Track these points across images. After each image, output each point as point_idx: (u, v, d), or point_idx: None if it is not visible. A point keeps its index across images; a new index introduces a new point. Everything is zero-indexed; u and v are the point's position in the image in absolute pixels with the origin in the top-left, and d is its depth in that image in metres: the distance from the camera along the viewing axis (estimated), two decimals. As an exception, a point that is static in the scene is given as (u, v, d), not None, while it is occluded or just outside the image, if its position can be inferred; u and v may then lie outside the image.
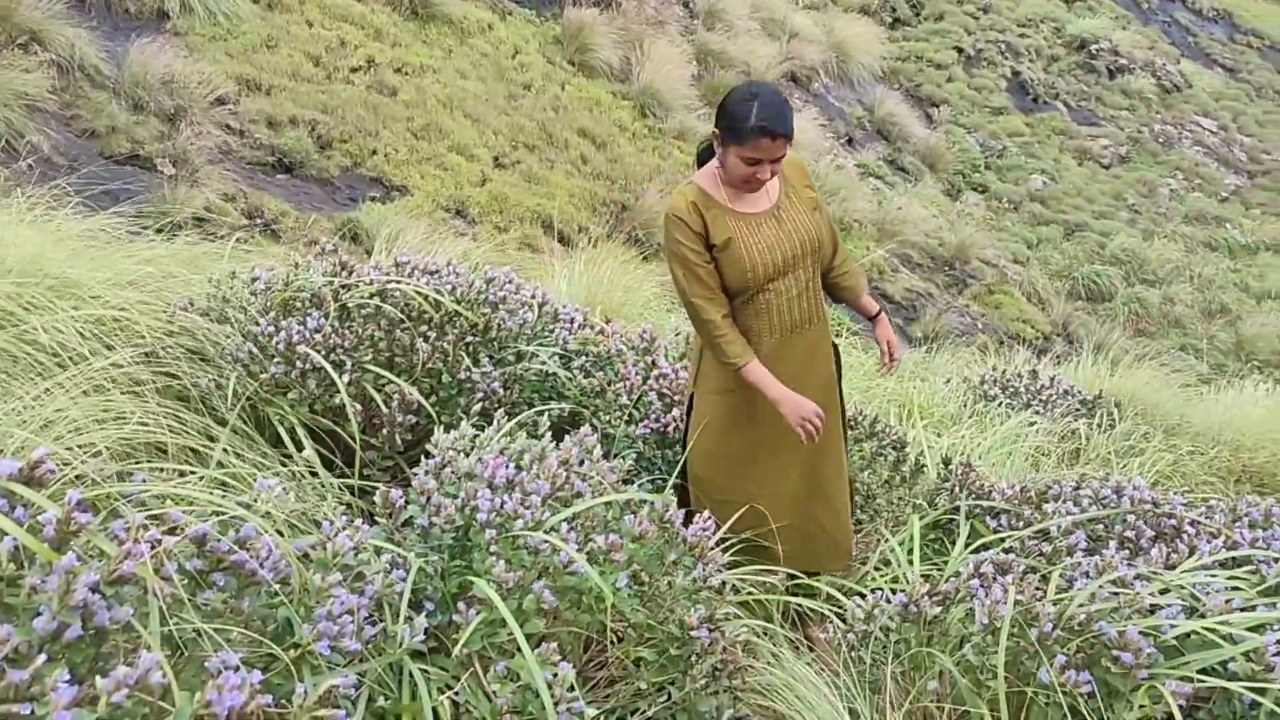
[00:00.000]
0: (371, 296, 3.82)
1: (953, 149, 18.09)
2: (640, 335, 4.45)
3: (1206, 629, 2.42)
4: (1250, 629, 2.49)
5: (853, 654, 2.60)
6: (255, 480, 2.37)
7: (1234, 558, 2.77)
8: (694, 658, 2.48)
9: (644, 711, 2.46)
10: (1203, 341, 14.51)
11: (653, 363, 4.25)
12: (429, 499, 2.45)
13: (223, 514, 1.99)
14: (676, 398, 4.12)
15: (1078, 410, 5.77)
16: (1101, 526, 3.17)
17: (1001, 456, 4.86)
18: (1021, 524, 3.26)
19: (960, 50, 20.89)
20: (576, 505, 2.54)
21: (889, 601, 2.62)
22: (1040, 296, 14.27)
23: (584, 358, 4.10)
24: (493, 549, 2.37)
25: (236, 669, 1.65)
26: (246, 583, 1.83)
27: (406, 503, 2.51)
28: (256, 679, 1.60)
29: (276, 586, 1.92)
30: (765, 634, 2.78)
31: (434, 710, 2.18)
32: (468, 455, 2.84)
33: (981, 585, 2.60)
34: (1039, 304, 14.02)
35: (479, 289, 4.04)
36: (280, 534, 2.31)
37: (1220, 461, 5.43)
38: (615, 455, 3.81)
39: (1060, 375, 6.24)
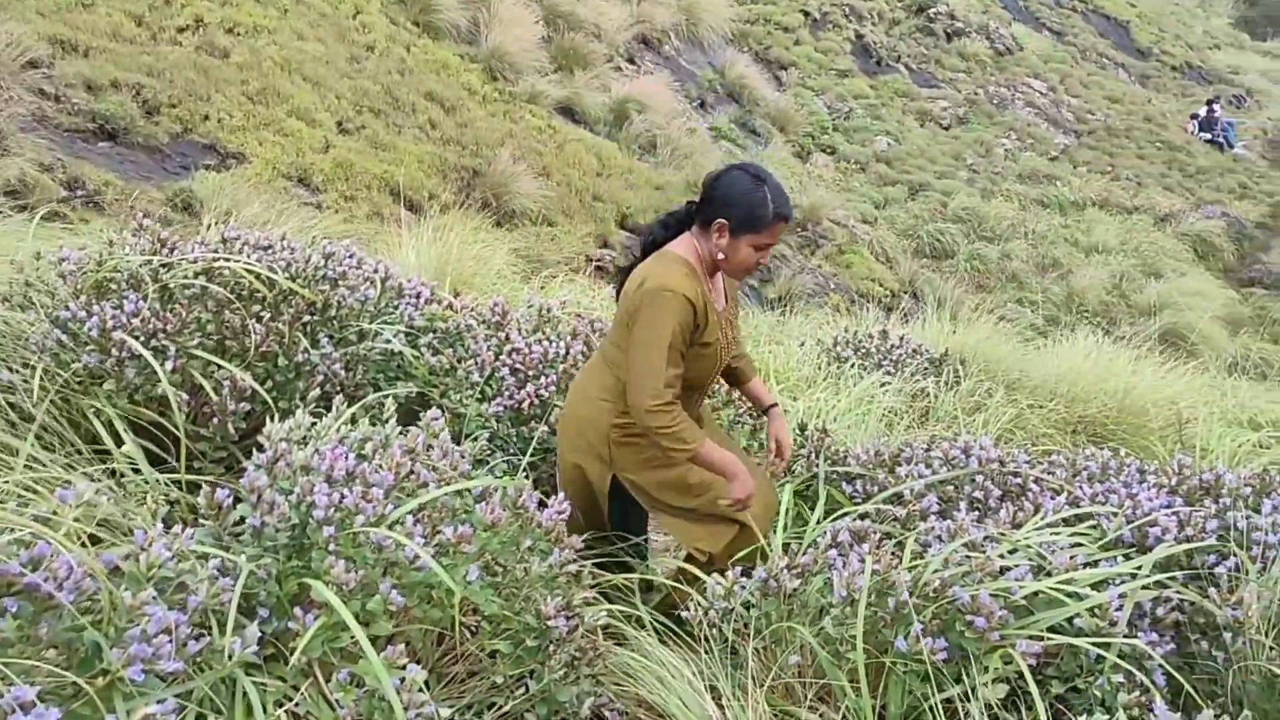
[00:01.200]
0: (196, 276, 3.56)
1: (801, 111, 18.37)
2: (491, 309, 4.30)
3: (1053, 588, 2.47)
4: (1094, 585, 2.56)
5: (714, 631, 2.56)
6: (66, 485, 2.15)
7: (1076, 515, 2.84)
8: (551, 647, 2.39)
9: (501, 707, 2.36)
10: (1038, 295, 15.20)
11: (506, 337, 4.12)
12: (259, 497, 2.28)
13: (15, 529, 1.78)
14: (530, 373, 4.00)
15: (926, 369, 5.91)
16: (952, 487, 3.22)
17: (857, 418, 4.93)
18: (877, 488, 3.28)
19: (806, 14, 21.18)
20: (422, 496, 2.40)
21: (749, 576, 2.58)
22: (888, 255, 14.66)
23: (432, 334, 3.93)
24: (332, 548, 2.22)
25: (32, 705, 1.47)
26: (43, 607, 1.64)
27: (236, 501, 2.33)
28: (54, 717, 1.43)
29: (82, 607, 1.73)
30: (630, 618, 2.72)
31: (272, 725, 2.03)
32: (304, 446, 2.66)
33: (839, 555, 2.59)
34: (887, 263, 14.40)
35: (316, 265, 3.82)
36: (89, 544, 2.10)
37: (1057, 414, 5.66)
38: (467, 436, 3.68)
39: (908, 334, 6.38)
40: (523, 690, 2.38)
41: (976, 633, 2.31)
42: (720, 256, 2.97)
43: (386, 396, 3.19)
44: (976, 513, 3.08)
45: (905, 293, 13.62)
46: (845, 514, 3.02)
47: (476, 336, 4.03)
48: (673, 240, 3.04)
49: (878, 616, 2.40)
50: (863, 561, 2.49)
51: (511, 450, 3.81)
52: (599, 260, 10.91)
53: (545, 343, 4.13)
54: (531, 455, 3.90)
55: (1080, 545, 2.75)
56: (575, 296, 6.21)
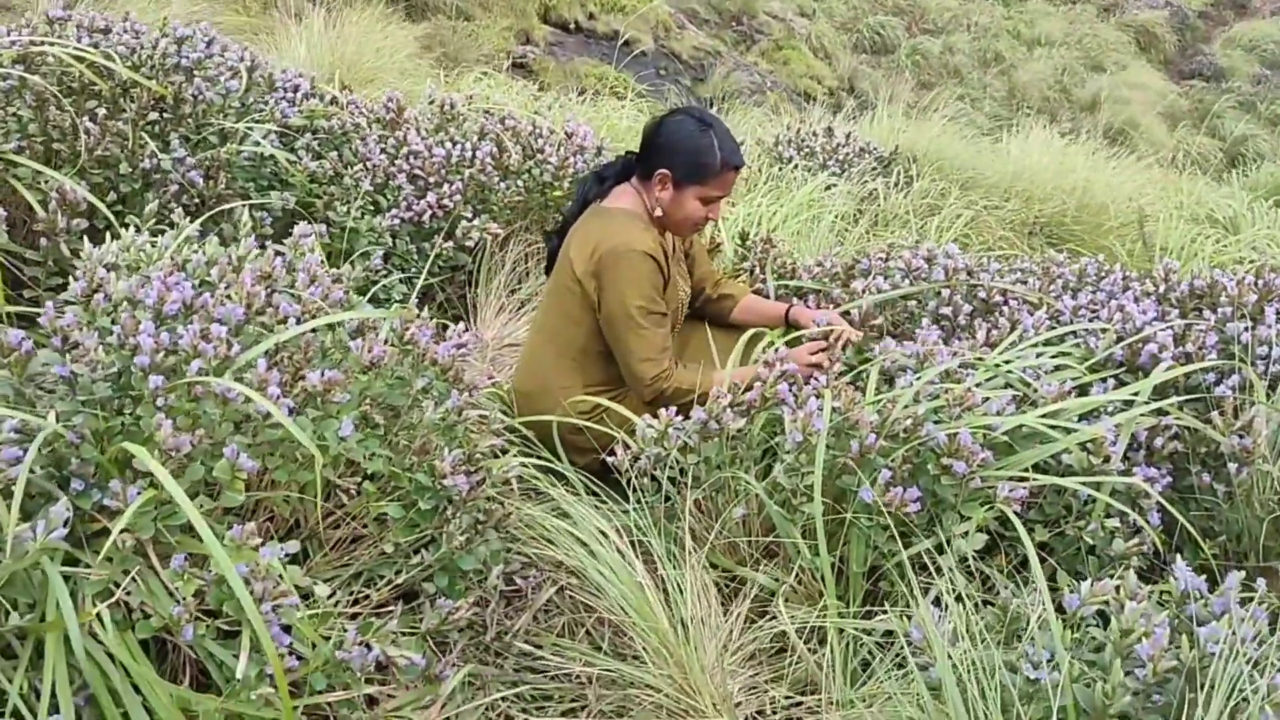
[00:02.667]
0: (14, 64, 2.92)
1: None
2: (385, 105, 3.70)
3: (1039, 421, 2.11)
4: (1083, 415, 2.21)
5: (645, 482, 2.17)
6: None
7: (1058, 334, 2.47)
8: (450, 509, 1.98)
9: (393, 580, 1.98)
10: (980, 91, 14.65)
11: (402, 138, 3.54)
12: (64, 339, 1.79)
13: None
14: (432, 179, 3.46)
15: (875, 169, 5.45)
16: (915, 302, 2.83)
17: (803, 225, 4.49)
18: (831, 305, 2.87)
19: None
20: (280, 334, 1.93)
21: (687, 417, 2.18)
22: (827, 51, 13.91)
23: (312, 135, 3.35)
24: (160, 403, 1.76)
25: None
26: None
27: (39, 344, 1.84)
28: None
29: None
30: (550, 471, 2.32)
31: (95, 622, 1.62)
32: (134, 271, 2.15)
33: (791, 390, 2.20)
34: (826, 59, 13.67)
35: (166, 52, 3.17)
36: None
37: (1015, 215, 5.27)
38: (359, 254, 3.17)
39: (855, 132, 5.88)
40: (419, 560, 1.99)
41: (955, 478, 1.95)
42: (658, 213, 2.55)
43: (248, 207, 2.65)
44: (941, 330, 2.69)
45: (845, 90, 12.99)
46: (797, 336, 2.61)
47: (367, 138, 3.45)
48: (610, 195, 2.64)
49: (837, 462, 2.02)
50: (819, 397, 2.10)
51: (412, 270, 3.32)
52: (520, 57, 10.10)
53: (449, 145, 3.56)
54: (434, 275, 3.42)
55: (1066, 367, 2.39)
56: (489, 93, 5.55)
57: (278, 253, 2.21)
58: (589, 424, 2.51)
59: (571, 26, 10.93)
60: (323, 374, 1.86)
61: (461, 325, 2.32)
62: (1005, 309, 2.68)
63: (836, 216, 4.57)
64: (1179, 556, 2.24)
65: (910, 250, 3.08)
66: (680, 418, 2.21)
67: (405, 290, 3.33)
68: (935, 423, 2.08)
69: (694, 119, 2.50)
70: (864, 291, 2.85)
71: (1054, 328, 2.64)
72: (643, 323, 2.42)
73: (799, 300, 2.96)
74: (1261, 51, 18.67)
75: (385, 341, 2.09)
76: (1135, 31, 18.39)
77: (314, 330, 2.03)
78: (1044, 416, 2.12)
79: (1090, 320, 2.70)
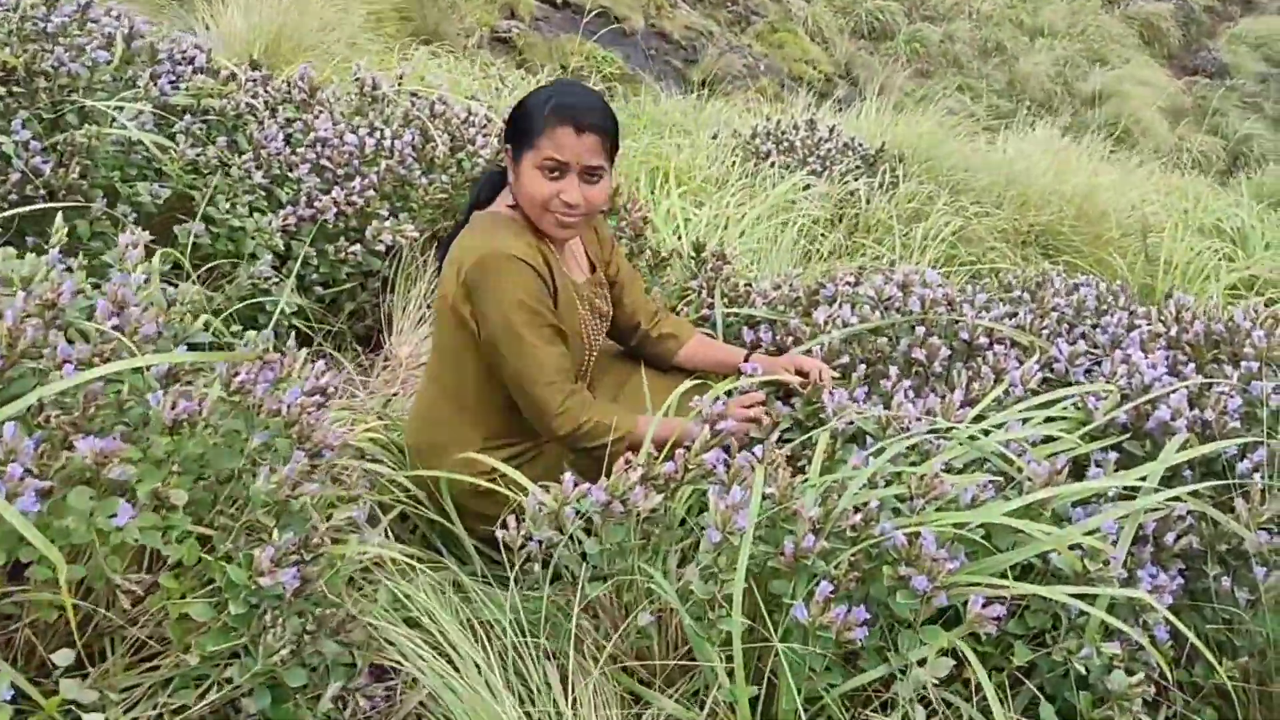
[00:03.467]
0: None
1: None
2: (295, 83, 3.25)
3: (1024, 511, 1.70)
4: (1079, 501, 1.79)
5: (527, 572, 1.75)
6: None
7: (1051, 398, 2.04)
8: (271, 614, 1.56)
9: (191, 708, 1.55)
10: (980, 80, 14.22)
11: (310, 122, 3.10)
12: None
13: None
14: (341, 172, 3.01)
15: (858, 168, 5.01)
16: (885, 339, 2.40)
17: (772, 230, 4.05)
18: (790, 339, 2.44)
19: None
20: (53, 385, 1.49)
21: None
22: (824, 35, 13.44)
23: (195, 118, 2.90)
24: None
25: None
26: None
27: None
28: None
29: None
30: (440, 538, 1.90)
31: None
32: (-108, 296, 1.71)
33: (722, 462, 1.77)
34: (822, 43, 13.20)
35: (26, 15, 2.72)
36: None
37: (1007, 222, 4.85)
38: (248, 258, 2.73)
39: (840, 125, 5.43)
40: (228, 681, 1.56)
41: (914, 594, 1.53)
42: (509, 200, 2.13)
43: (119, 202, 2.20)
44: (914, 380, 2.26)
45: (841, 76, 12.54)
46: (734, 387, 2.18)
47: (266, 122, 3.00)
48: (497, 200, 2.23)
49: (766, 566, 1.60)
50: (751, 470, 1.67)
51: (310, 277, 2.88)
52: (504, 32, 9.63)
53: (363, 132, 3.12)
54: (339, 283, 2.98)
55: (1058, 437, 1.96)
56: (443, 71, 5.10)
57: (70, 270, 1.77)
58: (488, 484, 2.07)
59: (559, 1, 10.45)
60: (94, 442, 1.43)
61: (322, 365, 1.88)
62: (990, 353, 2.25)
63: (811, 221, 4.14)
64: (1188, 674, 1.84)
65: (883, 274, 2.64)
66: (584, 487, 1.78)
67: (302, 303, 2.89)
68: (894, 512, 1.66)
69: (543, 86, 2.13)
70: (827, 324, 2.42)
71: (1047, 379, 2.22)
72: (530, 337, 1.99)
73: (756, 337, 2.52)
74: (1267, 49, 18.26)
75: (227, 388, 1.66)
76: (1139, 24, 17.96)
77: (107, 378, 1.60)
78: (1030, 507, 1.70)
79: (1089, 370, 2.27)
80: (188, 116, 2.83)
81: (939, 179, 5.13)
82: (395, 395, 2.94)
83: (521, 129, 2.03)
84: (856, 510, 1.60)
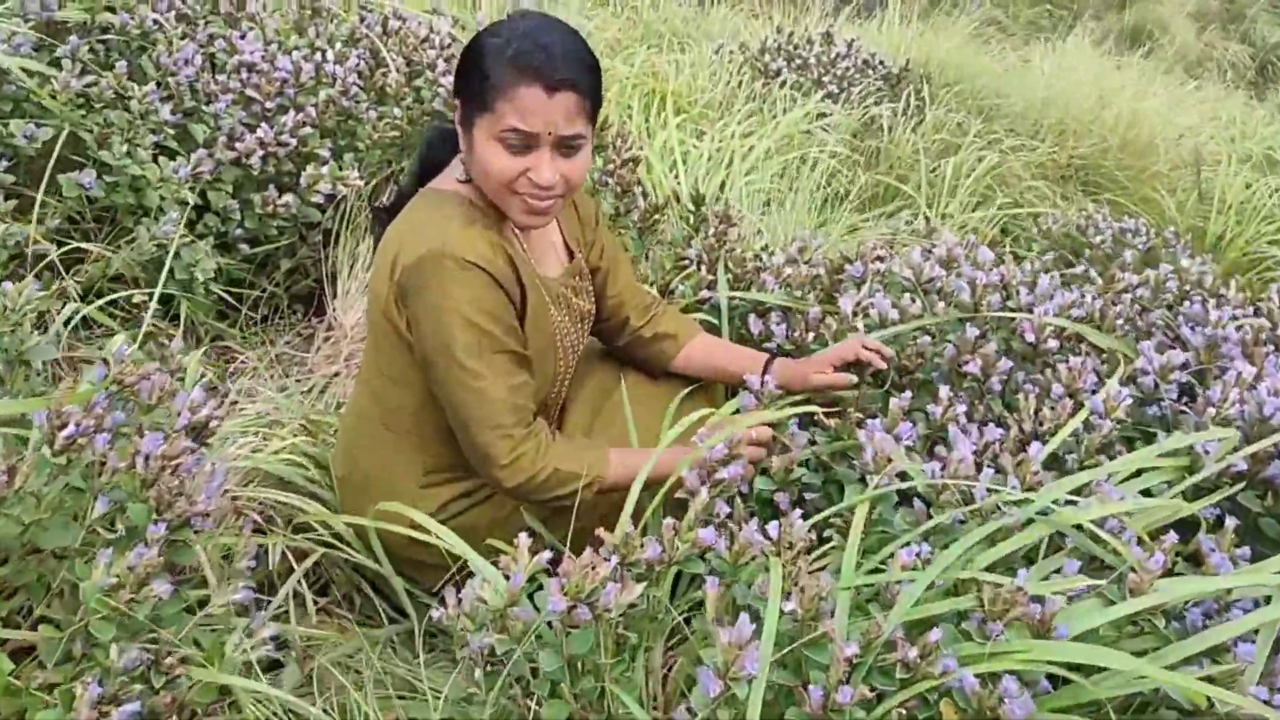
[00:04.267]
0: None
1: None
2: (219, -7, 2.72)
3: (1126, 620, 1.26)
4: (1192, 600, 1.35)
5: (481, 673, 1.32)
6: None
7: (1164, 449, 1.58)
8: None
9: None
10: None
11: (235, 42, 2.58)
12: None
13: None
14: (271, 104, 2.51)
15: (880, 90, 4.46)
16: (929, 337, 1.93)
17: (784, 165, 3.55)
18: (809, 334, 1.97)
19: None
20: None
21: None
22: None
23: (85, 38, 2.37)
24: None
25: None
26: None
27: None
28: None
29: None
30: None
31: None
32: None
33: (722, 536, 1.33)
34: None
35: None
36: None
37: (1045, 156, 4.32)
38: (149, 213, 2.25)
39: (860, 40, 4.85)
40: None
41: (986, 764, 1.10)
42: (460, 174, 1.62)
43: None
44: (967, 394, 1.81)
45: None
46: (740, 411, 1.73)
47: (175, 41, 2.48)
48: (452, 165, 1.70)
49: (785, 701, 1.17)
50: (756, 559, 1.24)
51: (233, 233, 2.40)
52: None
53: (301, 54, 2.60)
54: (271, 240, 2.50)
55: (1156, 497, 1.52)
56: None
57: None
58: (434, 527, 1.63)
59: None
60: None
61: (205, 398, 1.43)
62: (1062, 365, 1.79)
63: (828, 154, 3.61)
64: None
65: (921, 244, 2.17)
66: (542, 558, 1.34)
67: (226, 264, 2.42)
68: (957, 629, 1.23)
69: (502, 21, 1.56)
70: (855, 313, 1.95)
71: (1137, 396, 1.76)
72: (476, 365, 1.52)
73: (767, 328, 2.04)
74: (1303, -49, 17.34)
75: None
76: (1169, -77, 17.03)
77: None
78: (1136, 612, 1.27)
79: (1183, 386, 1.82)
80: (75, 37, 2.31)
81: (969, 104, 4.59)
82: (337, 375, 2.49)
83: (473, 84, 1.51)
84: (908, 636, 1.17)
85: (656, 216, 2.47)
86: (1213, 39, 13.71)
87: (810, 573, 1.27)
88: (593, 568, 1.26)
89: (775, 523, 1.33)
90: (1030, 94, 4.83)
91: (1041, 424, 1.69)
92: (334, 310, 2.65)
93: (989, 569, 1.33)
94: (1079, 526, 1.37)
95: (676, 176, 3.40)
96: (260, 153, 2.42)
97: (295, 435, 1.96)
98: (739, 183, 3.39)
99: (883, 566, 1.36)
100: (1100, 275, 3.22)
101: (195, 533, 1.33)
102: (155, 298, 2.27)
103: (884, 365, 1.73)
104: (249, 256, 2.53)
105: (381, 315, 1.59)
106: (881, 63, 4.72)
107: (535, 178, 1.53)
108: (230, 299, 2.54)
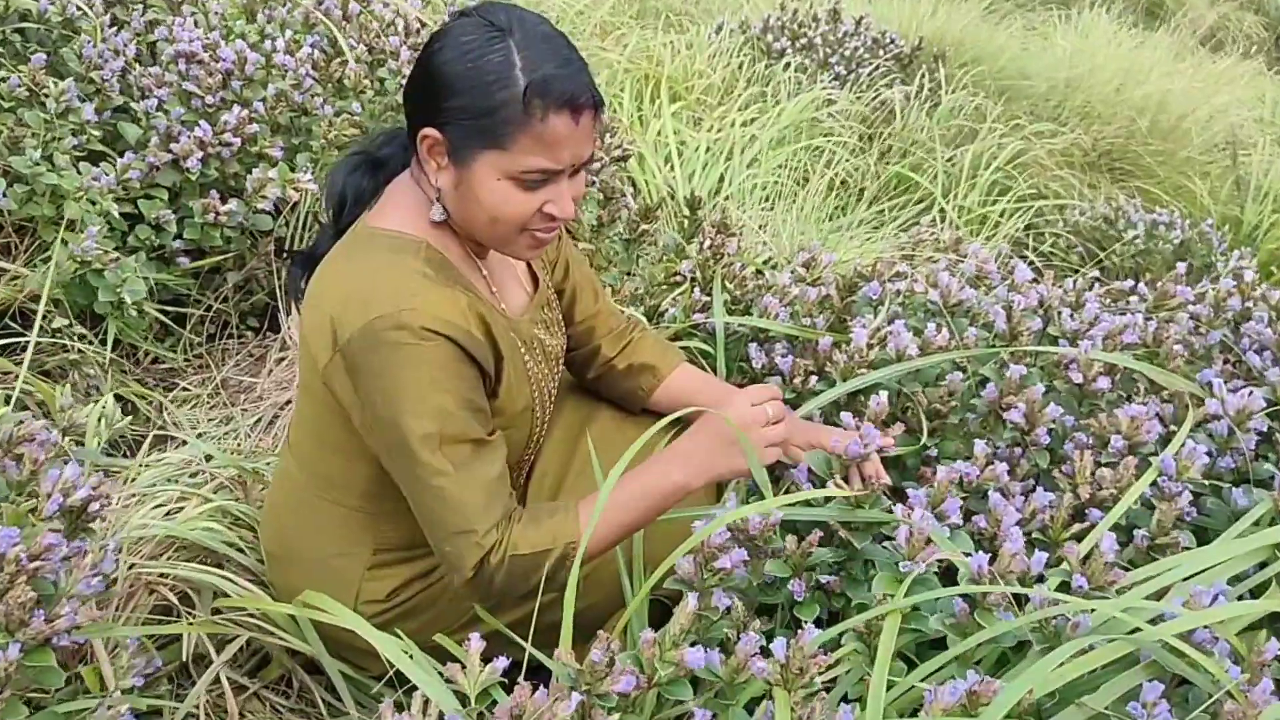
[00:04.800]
0: None
1: None
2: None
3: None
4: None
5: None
6: None
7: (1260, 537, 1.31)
8: None
9: None
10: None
11: (170, 33, 2.30)
12: None
13: None
14: (210, 100, 2.23)
15: (890, 71, 4.17)
16: (960, 371, 1.66)
17: (786, 159, 3.27)
18: (813, 375, 1.70)
19: None
20: None
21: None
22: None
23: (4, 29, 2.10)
24: None
25: None
26: None
27: None
28: None
29: None
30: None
31: None
32: None
33: (717, 651, 1.06)
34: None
35: None
36: None
37: (1070, 141, 4.03)
38: (69, 225, 1.99)
39: (869, 16, 4.55)
40: None
41: None
42: (438, 215, 1.32)
43: None
44: (1004, 449, 1.54)
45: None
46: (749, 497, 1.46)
47: (103, 29, 2.20)
48: (386, 194, 1.38)
49: None
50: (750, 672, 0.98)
51: (169, 246, 2.13)
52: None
53: (246, 42, 2.32)
54: (219, 251, 2.24)
55: (1243, 580, 1.25)
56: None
57: None
58: (371, 632, 1.37)
59: None
60: None
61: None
62: (1120, 415, 1.51)
63: (834, 143, 3.32)
64: None
65: (946, 258, 1.89)
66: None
67: (167, 279, 2.15)
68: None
69: (482, 23, 1.24)
70: (868, 346, 1.68)
71: (1211, 449, 1.49)
72: (440, 463, 1.25)
73: (769, 362, 1.77)
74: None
75: None
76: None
77: None
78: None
79: (1267, 440, 1.55)
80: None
81: (988, 85, 4.29)
82: (289, 404, 2.23)
83: (469, 113, 1.22)
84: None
85: (645, 227, 2.19)
86: (1227, 10, 13.34)
87: (822, 694, 1.02)
88: (550, 706, 1.00)
89: (781, 641, 1.06)
90: (1052, 74, 4.52)
91: (1100, 486, 1.42)
92: (289, 328, 2.39)
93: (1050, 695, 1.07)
94: (1152, 639, 1.10)
95: (672, 169, 3.12)
96: (199, 154, 2.14)
97: (225, 487, 1.70)
98: (739, 177, 3.11)
99: (919, 690, 1.09)
100: (1132, 274, 2.95)
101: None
102: (84, 319, 2.02)
103: (864, 492, 1.42)
104: (194, 270, 2.26)
105: (320, 383, 1.32)
106: (892, 40, 4.41)
107: (557, 211, 1.27)
108: (171, 318, 2.27)
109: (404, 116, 1.31)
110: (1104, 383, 1.58)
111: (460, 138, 1.24)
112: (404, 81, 2.40)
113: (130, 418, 2.10)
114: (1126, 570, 1.22)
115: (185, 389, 2.22)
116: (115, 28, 2.25)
